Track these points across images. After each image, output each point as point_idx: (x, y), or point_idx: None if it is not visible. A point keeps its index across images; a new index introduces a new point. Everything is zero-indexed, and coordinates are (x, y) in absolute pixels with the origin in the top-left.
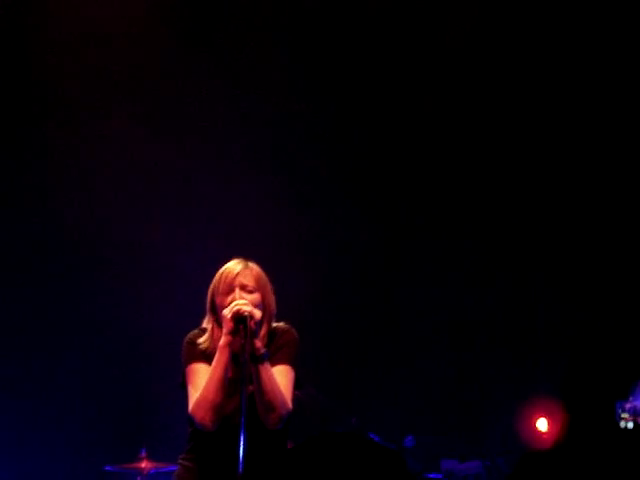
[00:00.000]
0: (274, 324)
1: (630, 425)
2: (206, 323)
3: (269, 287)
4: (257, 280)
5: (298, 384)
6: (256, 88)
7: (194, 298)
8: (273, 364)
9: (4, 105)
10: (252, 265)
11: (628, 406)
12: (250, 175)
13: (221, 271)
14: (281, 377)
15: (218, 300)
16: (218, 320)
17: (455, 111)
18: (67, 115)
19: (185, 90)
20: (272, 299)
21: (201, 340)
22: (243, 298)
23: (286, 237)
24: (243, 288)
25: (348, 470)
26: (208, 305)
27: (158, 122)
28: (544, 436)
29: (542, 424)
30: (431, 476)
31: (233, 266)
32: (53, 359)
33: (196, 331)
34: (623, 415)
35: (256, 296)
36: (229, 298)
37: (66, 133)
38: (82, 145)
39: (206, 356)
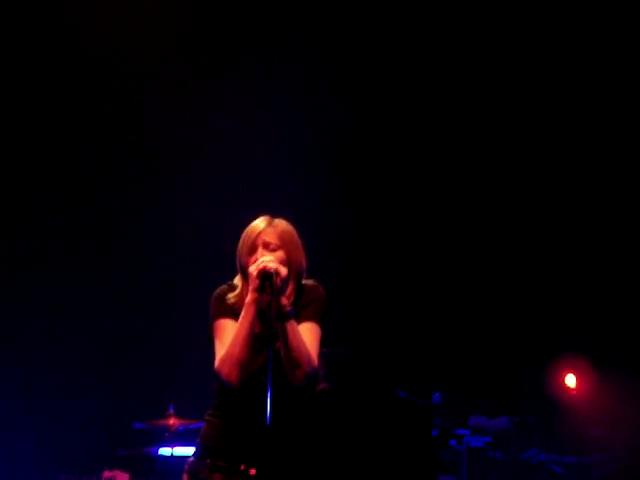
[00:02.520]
0: (303, 281)
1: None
2: (237, 280)
3: (296, 243)
4: (281, 237)
5: (325, 342)
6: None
7: (226, 253)
8: (300, 321)
9: None
10: (277, 222)
11: None
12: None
13: (247, 228)
14: (307, 334)
15: (243, 260)
16: (246, 277)
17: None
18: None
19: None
20: (300, 256)
21: (230, 295)
22: (267, 255)
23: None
24: (266, 246)
25: (371, 421)
26: (237, 261)
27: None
28: (572, 392)
29: (570, 380)
30: (459, 432)
31: (256, 224)
32: (81, 315)
33: (225, 286)
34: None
35: (280, 254)
36: (253, 257)
37: None
38: None
39: (234, 312)
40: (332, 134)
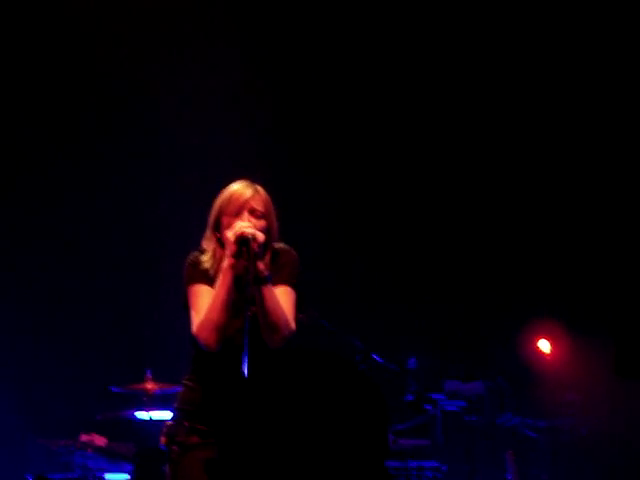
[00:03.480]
0: (274, 245)
1: None
2: (206, 243)
3: (274, 212)
4: (265, 205)
5: (300, 307)
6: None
7: (199, 216)
8: (274, 284)
9: None
10: (260, 189)
11: None
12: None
13: (230, 192)
14: (283, 297)
15: (225, 220)
16: (221, 240)
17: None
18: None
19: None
20: (276, 224)
21: (203, 259)
22: (250, 222)
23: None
24: (252, 212)
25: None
26: (211, 224)
27: None
28: (546, 357)
29: (544, 345)
30: (434, 397)
31: (243, 189)
32: (58, 278)
33: (196, 252)
34: None
35: (263, 222)
36: (237, 220)
37: None
38: None
39: (208, 277)
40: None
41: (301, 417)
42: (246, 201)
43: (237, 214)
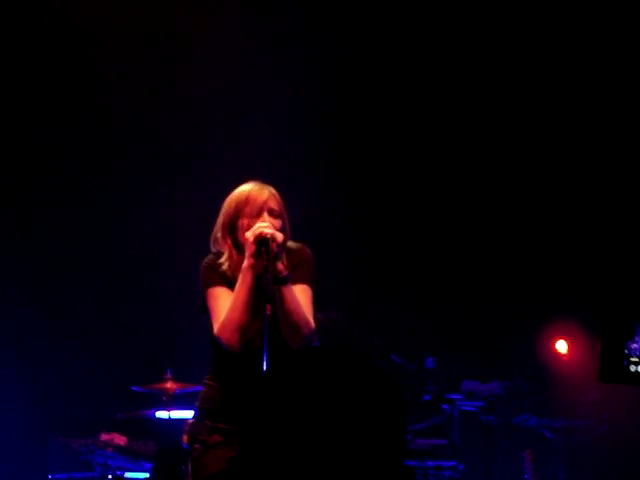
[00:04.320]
0: (288, 243)
1: None
2: (220, 246)
3: (286, 210)
4: (280, 205)
5: (320, 306)
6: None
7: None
8: (291, 283)
9: None
10: (274, 190)
11: (634, 346)
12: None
13: (245, 193)
14: (301, 296)
15: (245, 222)
16: (235, 242)
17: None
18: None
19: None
20: (289, 223)
21: (221, 262)
22: (270, 222)
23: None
24: (271, 213)
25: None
26: (225, 226)
27: None
28: (563, 357)
29: (561, 346)
30: (452, 397)
31: (260, 190)
32: (79, 279)
33: (212, 255)
34: (632, 359)
35: (279, 221)
36: (256, 221)
37: None
38: None
39: (226, 279)
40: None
41: (320, 416)
42: (265, 202)
43: (257, 215)
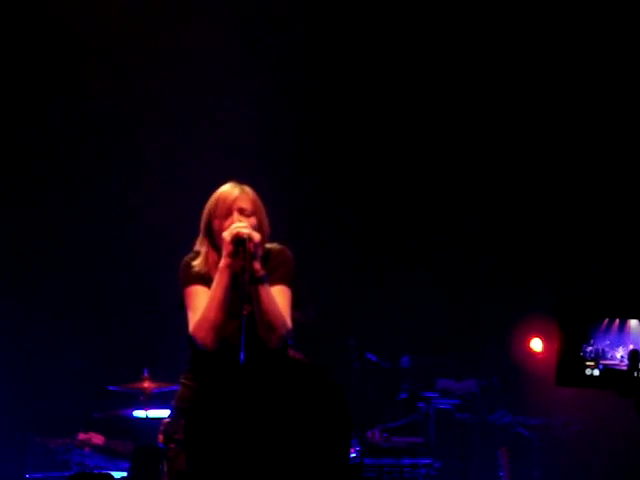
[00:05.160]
0: (268, 245)
1: (596, 372)
2: (199, 246)
3: (264, 210)
4: (254, 203)
5: (297, 305)
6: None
7: (196, 220)
8: (270, 284)
9: None
10: (247, 189)
11: (590, 349)
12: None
13: (217, 194)
14: (279, 297)
15: (216, 223)
16: (213, 243)
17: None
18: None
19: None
20: (266, 221)
21: (195, 263)
22: (241, 221)
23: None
24: (241, 212)
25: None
26: (203, 228)
27: None
28: (538, 355)
29: (536, 344)
30: (427, 395)
31: (230, 190)
32: (56, 277)
33: (192, 254)
34: (587, 362)
35: (253, 220)
36: (227, 221)
37: None
38: None
39: (203, 278)
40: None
41: (276, 418)
42: (233, 201)
43: (227, 215)
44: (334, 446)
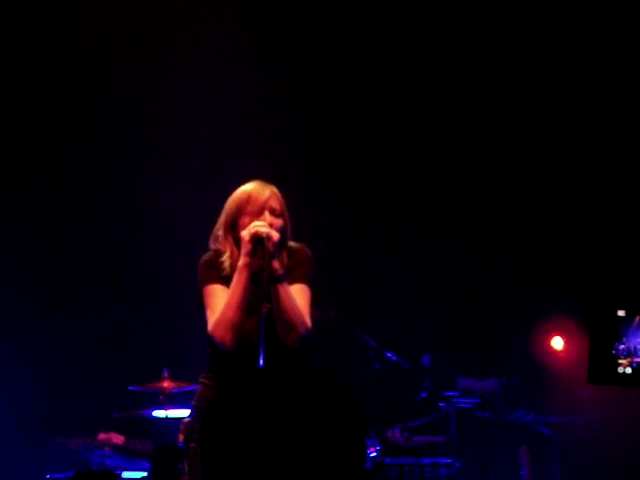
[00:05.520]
0: (288, 243)
1: (628, 370)
2: (220, 244)
3: (287, 211)
4: (281, 204)
5: (316, 305)
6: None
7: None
8: (289, 283)
9: None
10: (275, 189)
11: (622, 347)
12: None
13: (247, 192)
14: (299, 296)
15: (246, 220)
16: (237, 240)
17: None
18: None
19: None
20: (289, 222)
21: (222, 259)
22: (272, 221)
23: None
24: (272, 211)
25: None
26: (227, 225)
27: None
28: (559, 354)
29: (557, 342)
30: (448, 394)
31: (261, 189)
32: (75, 279)
33: (211, 253)
34: (620, 360)
35: (281, 220)
36: (258, 220)
37: None
38: None
39: (223, 277)
40: None
41: (292, 426)
42: (266, 201)
43: (258, 214)
44: (348, 457)
